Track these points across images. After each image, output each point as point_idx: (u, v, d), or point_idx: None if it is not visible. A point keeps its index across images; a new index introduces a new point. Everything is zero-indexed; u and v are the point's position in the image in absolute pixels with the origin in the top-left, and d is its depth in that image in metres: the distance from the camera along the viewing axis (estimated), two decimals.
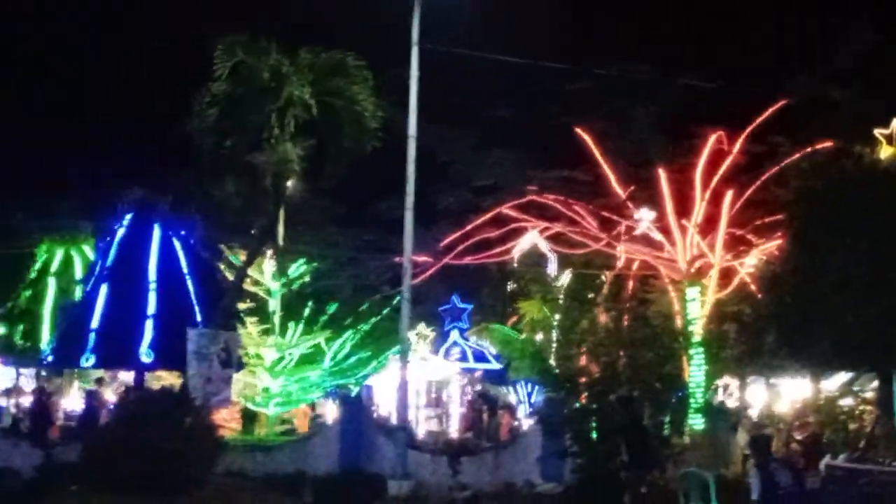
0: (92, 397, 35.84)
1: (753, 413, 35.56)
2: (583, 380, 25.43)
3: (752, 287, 35.16)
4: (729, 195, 33.56)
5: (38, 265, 47.30)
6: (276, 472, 27.03)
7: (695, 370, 31.72)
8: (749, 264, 34.57)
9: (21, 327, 46.66)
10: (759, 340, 32.06)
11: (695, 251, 33.57)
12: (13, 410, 40.70)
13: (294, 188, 32.72)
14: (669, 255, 33.91)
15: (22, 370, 51.98)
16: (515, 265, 42.65)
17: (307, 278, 45.91)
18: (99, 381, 39.68)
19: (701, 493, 22.43)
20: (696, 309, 32.67)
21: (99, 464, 24.79)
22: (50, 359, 37.46)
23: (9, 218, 52.91)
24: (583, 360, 25.87)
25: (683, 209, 33.73)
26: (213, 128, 29.90)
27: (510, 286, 50.85)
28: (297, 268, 45.26)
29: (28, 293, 46.83)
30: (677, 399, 26.97)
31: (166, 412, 25.85)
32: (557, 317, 36.86)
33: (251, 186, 31.36)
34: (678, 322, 32.07)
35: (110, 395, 39.33)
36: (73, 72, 60.46)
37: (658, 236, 34.53)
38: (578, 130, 35.44)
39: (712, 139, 34.02)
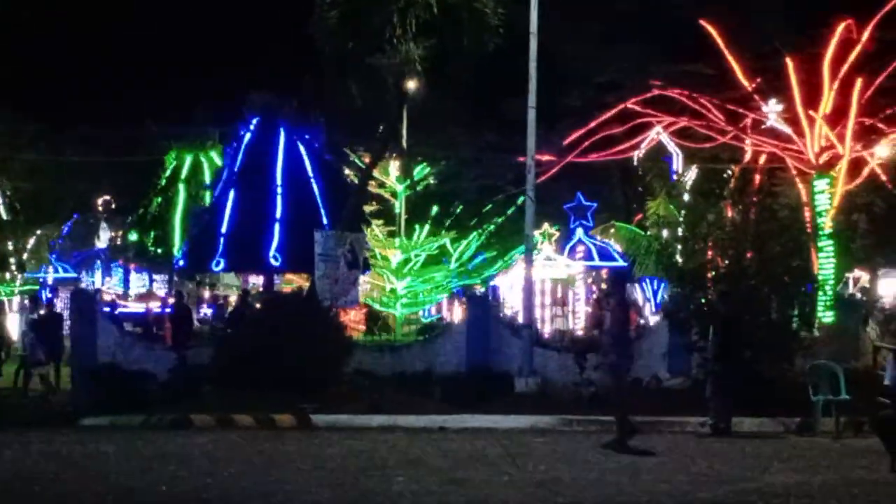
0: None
1: (885, 304, 35.08)
2: (709, 275, 25.30)
3: (883, 177, 34.51)
4: (858, 84, 32.80)
5: (167, 172, 48.03)
6: (405, 371, 27.32)
7: (824, 263, 31.29)
8: (880, 154, 33.86)
9: (153, 234, 47.54)
10: (891, 231, 31.50)
11: (823, 142, 32.91)
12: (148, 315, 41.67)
13: (416, 90, 32.72)
14: (797, 146, 33.31)
15: (155, 276, 53.14)
16: (639, 162, 42.24)
17: (431, 180, 46.13)
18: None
19: (830, 385, 22.27)
20: (824, 201, 32.11)
21: (231, 365, 25.29)
22: (181, 264, 38.13)
23: (138, 126, 53.76)
24: (709, 255, 25.70)
25: (811, 100, 33.00)
26: (334, 30, 29.90)
27: (635, 183, 50.53)
28: (422, 170, 45.45)
29: (159, 200, 47.64)
30: (806, 292, 26.71)
31: (296, 313, 26.25)
32: (683, 213, 36.54)
33: (374, 89, 31.42)
34: (807, 214, 31.60)
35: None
36: None
37: (786, 128, 33.91)
38: (703, 23, 34.82)
39: (841, 27, 33.19)
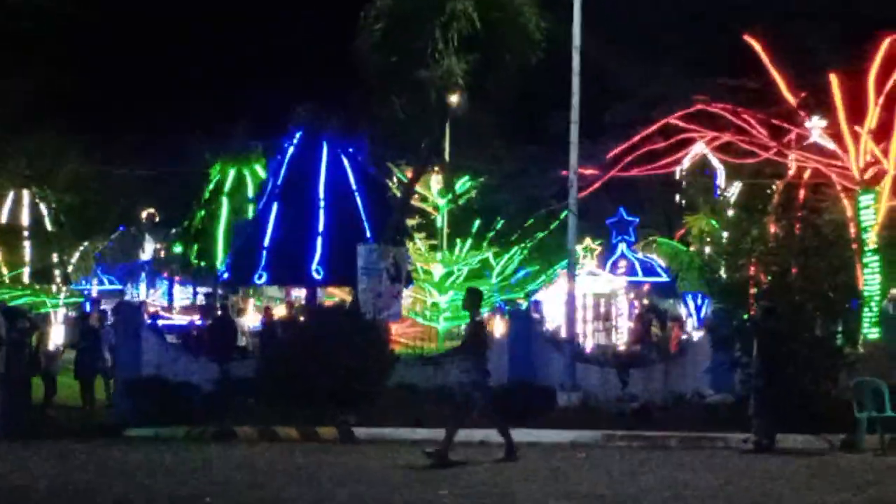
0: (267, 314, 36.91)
1: None
2: (752, 291, 25.21)
3: None
4: None
5: (211, 185, 48.27)
6: (447, 385, 27.29)
7: (869, 279, 31.15)
8: None
9: (196, 247, 47.76)
10: None
11: (868, 158, 32.80)
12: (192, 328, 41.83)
13: (459, 104, 32.78)
14: (842, 162, 33.20)
15: (199, 289, 53.43)
16: (683, 176, 42.17)
17: (474, 194, 46.16)
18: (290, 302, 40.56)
19: (875, 402, 22.15)
20: (870, 216, 32.01)
21: (275, 378, 25.41)
22: (225, 276, 38.32)
23: (183, 139, 54.11)
24: (752, 271, 25.61)
25: (856, 115, 32.92)
26: (378, 45, 30.00)
27: (677, 198, 50.42)
28: (464, 183, 45.51)
29: (202, 213, 47.86)
30: (851, 309, 26.58)
31: (339, 327, 26.32)
32: (726, 228, 36.47)
33: (417, 103, 31.49)
34: (851, 230, 31.47)
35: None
36: None
37: (830, 144, 33.81)
38: (747, 37, 34.79)
39: (886, 43, 33.09)
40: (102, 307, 35.81)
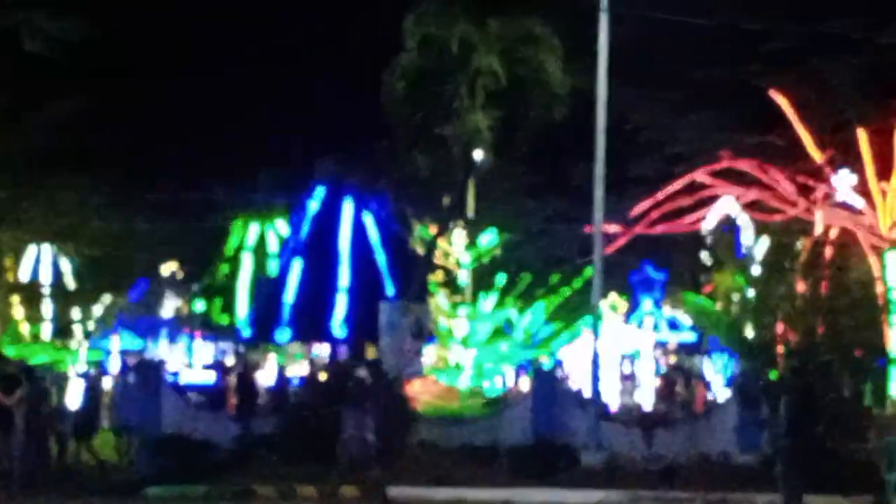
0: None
1: None
2: (779, 349, 24.91)
3: None
4: None
5: (233, 241, 48.23)
6: (470, 444, 27.03)
7: None
8: None
9: (218, 303, 47.63)
10: None
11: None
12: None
13: (483, 159, 32.68)
14: (869, 220, 32.88)
15: (220, 345, 53.21)
16: (708, 233, 41.85)
17: (497, 250, 45.93)
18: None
19: None
20: None
21: (295, 436, 25.19)
22: (247, 333, 38.16)
23: (205, 194, 54.11)
24: (779, 329, 25.32)
25: (884, 172, 32.65)
26: (403, 100, 30.02)
27: (703, 255, 50.06)
28: (489, 241, 45.31)
29: (225, 269, 47.79)
30: (878, 368, 26.23)
31: (360, 385, 26.04)
32: (752, 286, 36.13)
33: (441, 158, 31.44)
34: (879, 289, 31.09)
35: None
36: (266, 49, 61.52)
37: (857, 201, 33.50)
38: (773, 93, 34.59)
39: None
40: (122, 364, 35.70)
